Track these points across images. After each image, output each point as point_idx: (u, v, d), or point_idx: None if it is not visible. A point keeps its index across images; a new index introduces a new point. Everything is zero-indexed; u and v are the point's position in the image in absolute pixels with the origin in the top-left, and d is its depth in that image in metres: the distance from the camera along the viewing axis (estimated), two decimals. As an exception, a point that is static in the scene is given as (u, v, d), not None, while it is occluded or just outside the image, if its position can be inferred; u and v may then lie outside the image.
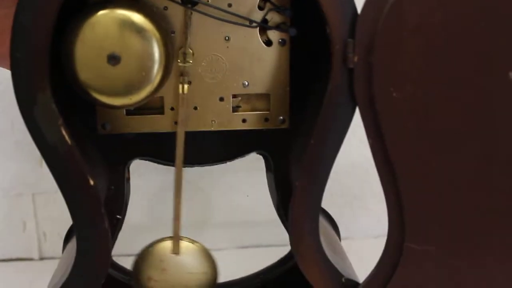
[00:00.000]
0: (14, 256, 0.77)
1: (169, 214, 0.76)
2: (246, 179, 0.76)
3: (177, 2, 0.42)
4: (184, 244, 0.46)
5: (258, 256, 0.79)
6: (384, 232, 0.82)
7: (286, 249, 0.78)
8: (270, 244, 0.79)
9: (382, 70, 0.36)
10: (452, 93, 0.36)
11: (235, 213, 0.78)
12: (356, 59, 0.37)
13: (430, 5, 0.35)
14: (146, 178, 0.70)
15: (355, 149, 0.70)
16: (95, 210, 0.39)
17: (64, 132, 0.37)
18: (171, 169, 0.47)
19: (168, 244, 0.46)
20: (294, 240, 0.41)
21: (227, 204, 0.77)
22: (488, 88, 0.36)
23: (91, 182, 0.38)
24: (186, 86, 0.43)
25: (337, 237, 0.54)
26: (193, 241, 0.46)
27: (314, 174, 0.40)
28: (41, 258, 0.77)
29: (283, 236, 0.78)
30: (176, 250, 0.46)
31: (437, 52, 0.36)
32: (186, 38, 0.43)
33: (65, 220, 0.75)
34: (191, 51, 0.43)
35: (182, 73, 0.43)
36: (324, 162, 0.40)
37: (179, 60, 0.43)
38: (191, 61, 0.43)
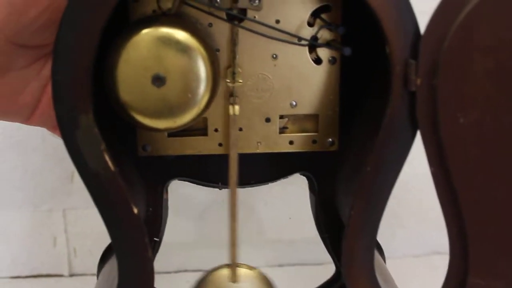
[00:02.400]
0: (43, 272, 0.75)
1: (210, 232, 0.75)
2: (280, 195, 0.74)
3: (223, 19, 0.40)
4: (242, 271, 0.44)
5: (294, 275, 0.77)
6: (422, 252, 0.79)
7: (321, 268, 0.76)
8: (305, 263, 0.77)
9: (447, 93, 0.33)
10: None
11: (270, 230, 0.76)
12: (418, 81, 0.34)
13: (503, 23, 0.32)
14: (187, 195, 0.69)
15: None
16: (139, 239, 0.37)
17: (107, 158, 0.35)
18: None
19: (225, 272, 0.44)
20: (346, 270, 0.39)
21: (262, 221, 0.75)
22: None
23: (135, 211, 0.36)
24: (236, 107, 0.41)
25: (383, 262, 0.51)
26: (251, 268, 0.44)
27: (370, 203, 0.37)
28: (71, 275, 0.76)
29: (318, 255, 0.76)
30: (234, 278, 0.43)
31: (508, 75, 0.33)
32: (234, 57, 0.41)
33: (96, 236, 0.75)
34: (240, 70, 0.41)
35: (231, 94, 0.41)
36: (382, 190, 0.37)
37: (228, 80, 0.41)
38: (241, 81, 0.41)
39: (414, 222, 0.78)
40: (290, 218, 0.69)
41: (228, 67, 0.41)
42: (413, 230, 0.78)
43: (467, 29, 0.33)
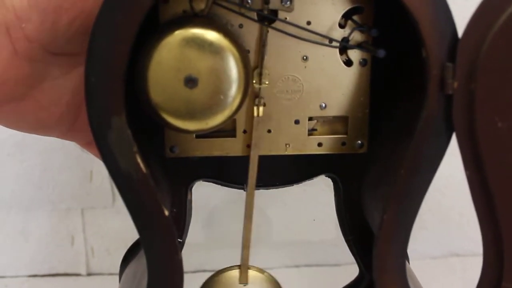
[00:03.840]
0: (61, 271, 0.75)
1: (222, 232, 0.74)
2: (300, 196, 0.74)
3: (254, 20, 0.40)
4: (252, 273, 0.44)
5: (311, 275, 0.76)
6: (441, 254, 0.79)
7: (339, 269, 0.76)
8: (322, 264, 0.77)
9: (485, 97, 0.33)
10: None
11: (288, 231, 0.75)
12: (456, 85, 0.34)
13: (545, 27, 0.31)
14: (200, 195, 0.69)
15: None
16: (170, 241, 0.37)
17: (139, 160, 0.35)
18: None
19: (235, 273, 0.44)
20: (378, 276, 0.38)
21: (280, 222, 0.75)
22: None
23: (166, 213, 0.36)
24: (261, 108, 0.41)
25: (410, 267, 0.51)
26: (262, 271, 0.44)
27: (403, 207, 0.37)
28: (89, 274, 0.76)
29: (335, 256, 0.75)
30: (244, 279, 0.43)
31: (549, 79, 0.32)
32: (262, 58, 0.40)
33: (113, 236, 0.75)
34: (267, 71, 0.41)
35: (257, 95, 0.41)
36: (415, 194, 0.37)
37: (254, 81, 0.40)
38: (267, 82, 0.41)
39: (432, 223, 0.77)
40: (314, 220, 0.68)
41: (255, 68, 0.41)
42: (431, 232, 0.77)
43: (507, 32, 0.32)
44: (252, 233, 0.74)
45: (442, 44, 0.34)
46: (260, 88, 0.41)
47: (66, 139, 0.42)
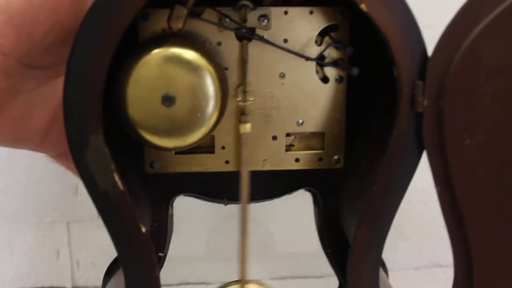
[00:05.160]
0: (46, 285, 0.76)
1: (223, 245, 0.75)
2: (283, 209, 0.74)
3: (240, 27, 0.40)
4: (251, 287, 0.44)
5: (295, 287, 0.77)
6: (424, 264, 0.80)
7: (323, 281, 0.76)
8: (306, 276, 0.77)
9: (454, 115, 0.34)
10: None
11: (272, 244, 0.76)
12: (425, 102, 0.34)
13: (510, 47, 0.32)
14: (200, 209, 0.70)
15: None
16: (146, 258, 0.37)
17: (116, 178, 0.35)
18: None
19: None
20: (352, 290, 0.39)
21: (265, 235, 0.76)
22: None
23: (143, 230, 0.37)
24: (247, 125, 0.41)
25: (387, 278, 0.51)
26: (261, 284, 0.45)
27: (376, 222, 0.38)
28: (74, 287, 0.76)
29: (319, 268, 0.76)
30: None
31: (515, 97, 0.33)
32: (244, 76, 0.41)
33: (99, 249, 0.75)
34: (251, 88, 0.41)
35: (242, 112, 0.42)
36: (387, 209, 0.37)
37: (239, 99, 0.41)
38: (252, 99, 0.41)
39: (415, 234, 0.78)
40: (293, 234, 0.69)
41: (239, 85, 0.41)
42: (414, 243, 0.78)
43: (475, 51, 0.33)
44: (251, 246, 0.75)
45: (412, 63, 0.35)
46: (245, 105, 0.42)
47: (38, 151, 0.42)
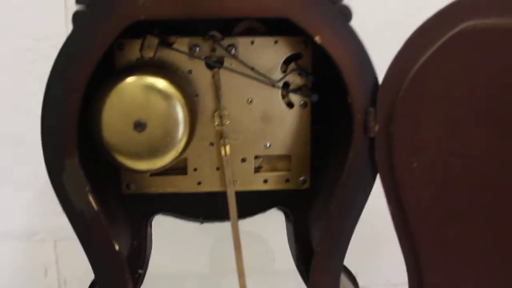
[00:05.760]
0: (34, 302, 0.77)
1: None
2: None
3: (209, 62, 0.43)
4: None
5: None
6: (403, 281, 0.81)
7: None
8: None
9: (402, 139, 0.37)
10: (471, 165, 0.36)
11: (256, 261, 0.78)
12: (377, 128, 0.37)
13: (455, 76, 0.35)
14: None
15: (375, 197, 0.70)
16: (120, 275, 0.40)
17: (91, 198, 0.38)
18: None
19: None
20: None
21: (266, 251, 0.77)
22: (507, 163, 0.36)
23: (116, 247, 0.39)
24: (227, 147, 0.44)
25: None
26: None
27: (335, 240, 0.40)
28: (62, 304, 0.78)
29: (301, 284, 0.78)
30: None
31: (457, 122, 0.36)
32: (219, 101, 0.44)
33: (86, 268, 0.76)
34: (226, 112, 0.44)
35: (221, 135, 0.44)
36: (345, 228, 0.40)
37: (216, 124, 0.44)
38: (228, 122, 0.44)
39: (393, 251, 0.80)
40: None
41: (213, 111, 0.44)
42: (392, 259, 0.80)
43: (419, 80, 0.36)
44: (252, 262, 0.77)
45: (365, 91, 0.38)
46: (222, 129, 0.44)
47: None
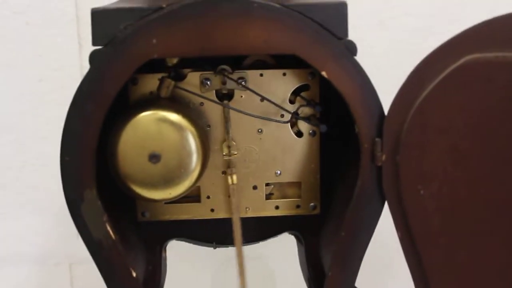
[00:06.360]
0: (50, 326, 0.79)
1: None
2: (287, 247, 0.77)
3: (214, 101, 0.45)
4: None
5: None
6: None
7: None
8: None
9: (409, 168, 0.38)
10: (477, 191, 0.37)
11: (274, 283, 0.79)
12: (384, 157, 0.38)
13: (457, 108, 0.37)
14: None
15: (385, 218, 0.71)
16: (137, 301, 0.41)
17: (108, 228, 0.40)
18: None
19: None
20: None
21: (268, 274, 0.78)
22: (510, 188, 0.37)
23: (134, 274, 0.40)
24: (234, 176, 0.46)
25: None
26: None
27: (345, 265, 0.41)
28: (77, 327, 0.79)
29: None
30: None
31: (461, 152, 0.37)
32: (228, 132, 0.45)
33: (101, 290, 0.78)
34: (234, 143, 0.46)
35: (228, 165, 0.46)
36: (355, 253, 0.41)
37: (224, 153, 0.45)
38: (236, 152, 0.46)
39: (404, 273, 0.80)
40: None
41: (223, 141, 0.46)
42: (403, 281, 0.81)
43: (423, 112, 0.37)
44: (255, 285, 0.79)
45: (371, 122, 0.39)
46: (230, 159, 0.46)
47: None
